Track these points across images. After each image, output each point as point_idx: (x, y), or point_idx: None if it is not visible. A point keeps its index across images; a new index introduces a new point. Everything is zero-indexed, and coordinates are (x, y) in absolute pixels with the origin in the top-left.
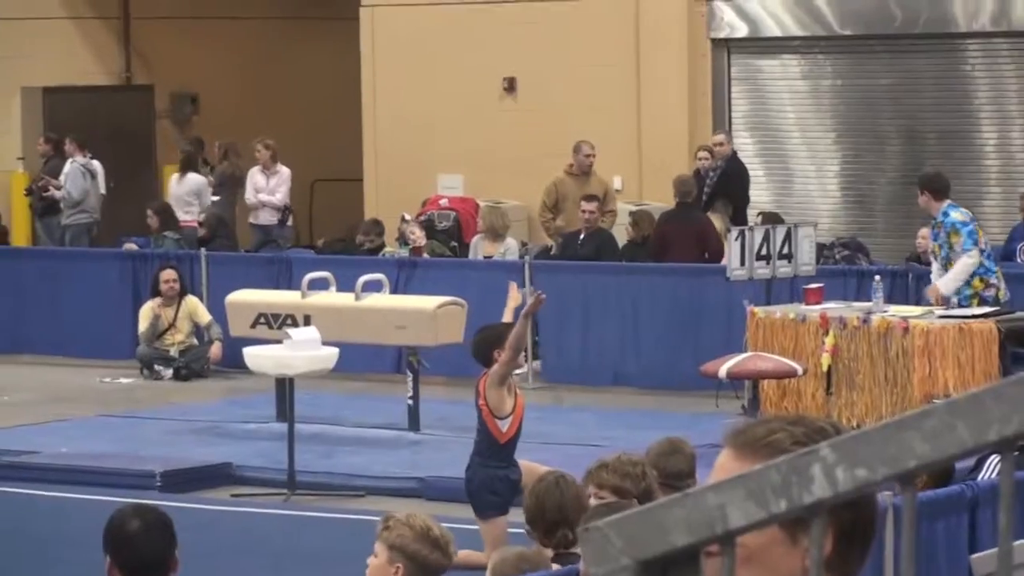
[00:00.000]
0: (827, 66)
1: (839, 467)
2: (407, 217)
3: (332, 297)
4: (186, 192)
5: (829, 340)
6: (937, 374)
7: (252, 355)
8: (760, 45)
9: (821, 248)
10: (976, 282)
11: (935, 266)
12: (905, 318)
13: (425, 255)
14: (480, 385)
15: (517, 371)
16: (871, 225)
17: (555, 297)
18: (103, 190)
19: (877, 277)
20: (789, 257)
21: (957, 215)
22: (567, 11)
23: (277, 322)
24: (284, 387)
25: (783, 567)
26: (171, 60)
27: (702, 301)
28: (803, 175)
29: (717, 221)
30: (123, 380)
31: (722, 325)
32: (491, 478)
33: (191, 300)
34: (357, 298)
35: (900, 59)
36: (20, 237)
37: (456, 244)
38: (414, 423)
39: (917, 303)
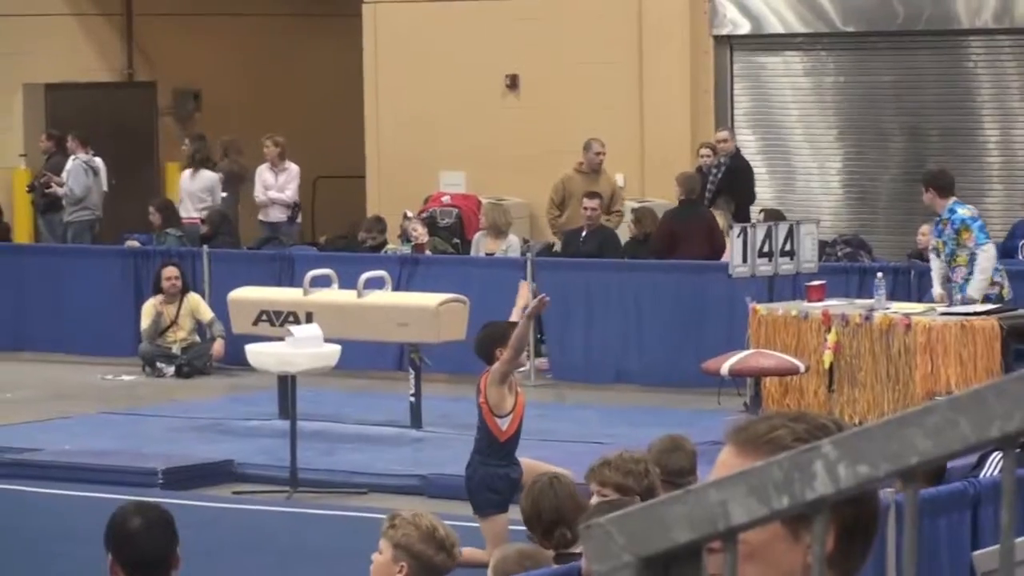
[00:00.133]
0: (830, 63)
1: (841, 463)
2: (409, 214)
3: (334, 294)
4: (200, 188)
5: (831, 337)
6: (939, 371)
7: (254, 352)
8: (763, 42)
9: (823, 245)
10: None
11: (936, 262)
12: (907, 315)
13: (427, 252)
14: (481, 383)
15: (519, 369)
16: (873, 222)
17: (557, 294)
18: (105, 187)
19: (879, 274)
20: (791, 254)
21: (964, 211)
22: (569, 8)
23: (279, 319)
24: (286, 384)
25: (785, 563)
26: (173, 57)
27: (704, 298)
28: (805, 172)
29: (720, 218)
30: (125, 377)
31: (724, 322)
32: (491, 476)
33: (193, 297)
34: (359, 295)
35: (902, 56)
36: (22, 234)
37: (458, 241)
38: (416, 420)
39: (919, 300)
